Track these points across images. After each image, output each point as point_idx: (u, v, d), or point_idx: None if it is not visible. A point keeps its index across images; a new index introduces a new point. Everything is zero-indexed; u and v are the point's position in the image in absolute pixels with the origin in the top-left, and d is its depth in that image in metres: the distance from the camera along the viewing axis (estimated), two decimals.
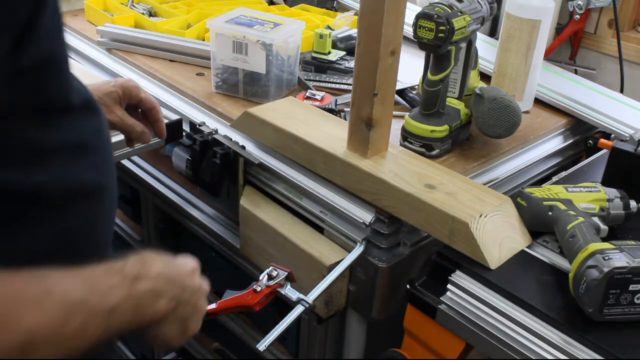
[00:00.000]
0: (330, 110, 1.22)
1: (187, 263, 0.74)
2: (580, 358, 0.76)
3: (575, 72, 1.55)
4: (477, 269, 0.87)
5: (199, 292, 0.73)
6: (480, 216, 0.89)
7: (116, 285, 0.64)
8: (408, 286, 0.93)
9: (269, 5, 1.73)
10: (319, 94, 1.26)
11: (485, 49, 1.45)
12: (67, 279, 0.62)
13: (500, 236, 0.90)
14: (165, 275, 0.68)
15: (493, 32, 1.60)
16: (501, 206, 0.93)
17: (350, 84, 1.28)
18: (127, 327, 0.65)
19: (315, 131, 1.08)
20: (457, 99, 1.16)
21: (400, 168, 0.99)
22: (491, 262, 0.87)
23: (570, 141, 1.30)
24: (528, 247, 0.92)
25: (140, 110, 1.01)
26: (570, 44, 1.57)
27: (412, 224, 0.95)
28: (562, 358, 0.77)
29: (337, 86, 1.35)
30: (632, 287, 0.77)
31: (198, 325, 0.75)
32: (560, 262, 0.89)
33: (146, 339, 0.71)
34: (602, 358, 0.75)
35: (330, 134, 1.07)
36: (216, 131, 1.18)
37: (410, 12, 1.24)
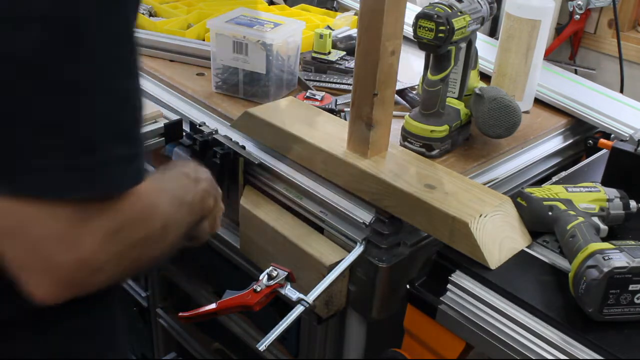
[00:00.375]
0: (330, 110, 1.22)
1: (196, 164, 0.85)
2: (580, 358, 0.76)
3: (575, 72, 1.55)
4: (477, 269, 0.87)
5: (220, 194, 0.87)
6: (480, 216, 0.89)
7: (188, 185, 0.77)
8: (408, 286, 0.93)
9: (269, 5, 1.73)
10: (319, 94, 1.26)
11: (485, 49, 1.45)
12: (171, 178, 0.76)
13: (500, 236, 0.90)
14: (209, 179, 0.82)
15: (493, 32, 1.60)
16: (501, 206, 0.93)
17: (350, 84, 1.28)
18: (195, 220, 0.78)
19: (315, 131, 1.08)
20: (457, 99, 1.16)
21: (400, 168, 0.99)
22: (491, 262, 0.87)
23: (570, 141, 1.30)
24: (528, 247, 0.92)
25: None
26: (570, 44, 1.57)
27: (412, 224, 0.95)
28: (562, 358, 0.77)
29: (337, 86, 1.35)
30: (632, 287, 0.77)
31: (219, 224, 0.88)
32: (560, 262, 0.89)
33: (191, 236, 0.83)
34: (602, 358, 0.75)
35: (330, 134, 1.07)
36: (216, 131, 1.18)
37: (410, 12, 1.24)
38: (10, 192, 0.54)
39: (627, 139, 1.05)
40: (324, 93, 1.27)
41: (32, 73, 0.52)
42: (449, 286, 0.88)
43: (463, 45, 1.08)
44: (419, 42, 1.03)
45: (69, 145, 0.54)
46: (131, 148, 0.59)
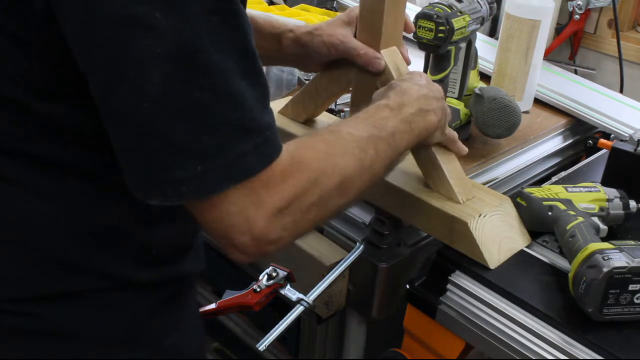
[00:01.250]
0: (330, 110, 1.22)
1: (423, 77, 0.88)
2: (580, 358, 0.76)
3: (575, 72, 1.55)
4: (477, 269, 0.87)
5: (441, 100, 0.87)
6: (480, 216, 0.89)
7: (387, 116, 0.78)
8: (408, 286, 0.93)
9: (269, 5, 1.73)
10: None
11: (485, 49, 1.45)
12: (352, 123, 0.76)
13: (499, 236, 0.90)
14: (424, 95, 0.83)
15: (493, 32, 1.60)
16: (500, 206, 0.93)
17: None
18: (410, 144, 0.81)
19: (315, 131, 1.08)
20: (456, 99, 1.16)
21: (399, 168, 0.99)
22: (490, 262, 0.87)
23: (570, 141, 1.30)
24: (528, 247, 0.92)
25: None
26: (570, 44, 1.57)
27: (411, 223, 0.95)
28: (562, 358, 0.77)
29: None
30: (631, 287, 0.77)
31: (446, 132, 0.89)
32: (560, 262, 0.89)
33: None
34: (601, 358, 0.75)
35: None
36: None
37: (410, 12, 1.24)
38: (166, 202, 0.61)
39: (627, 139, 1.05)
40: None
41: (164, 104, 0.57)
42: (449, 286, 0.88)
43: (463, 45, 1.08)
44: (419, 42, 1.03)
45: (207, 156, 0.59)
46: (259, 134, 0.62)
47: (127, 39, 0.55)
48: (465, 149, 0.93)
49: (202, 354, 0.89)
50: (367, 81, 0.95)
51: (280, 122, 1.11)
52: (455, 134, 0.91)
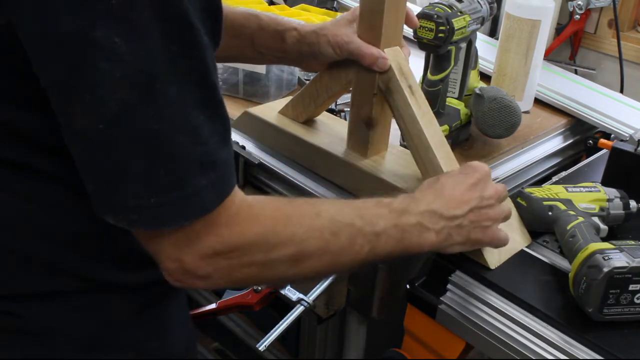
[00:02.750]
0: (330, 110, 1.22)
1: (463, 182, 0.80)
2: (580, 358, 0.76)
3: (575, 72, 1.55)
4: (477, 269, 0.87)
5: (480, 207, 0.79)
6: None
7: (383, 215, 0.73)
8: (408, 286, 0.93)
9: (269, 5, 1.73)
10: None
11: (485, 49, 1.45)
12: (337, 206, 0.73)
13: None
14: (431, 211, 0.76)
15: (493, 32, 1.60)
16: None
17: None
18: (394, 252, 0.74)
19: (315, 131, 1.08)
20: (457, 99, 1.16)
21: (400, 168, 0.99)
22: (491, 262, 0.87)
23: (570, 141, 1.30)
24: (528, 247, 0.92)
25: None
26: (570, 44, 1.57)
27: None
28: (562, 358, 0.77)
29: None
30: (631, 287, 0.77)
31: (487, 233, 0.81)
32: (560, 262, 0.89)
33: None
34: (602, 358, 0.75)
35: (330, 134, 1.07)
36: None
37: None
38: (117, 223, 0.61)
39: (627, 139, 1.05)
40: None
41: (119, 132, 0.56)
42: (449, 286, 0.88)
43: (463, 45, 1.08)
44: (419, 42, 1.03)
45: (161, 188, 0.59)
46: (215, 170, 0.61)
47: (85, 60, 0.54)
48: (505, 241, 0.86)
49: (190, 357, 0.88)
50: (368, 81, 0.95)
51: (281, 122, 1.11)
52: (503, 240, 0.84)
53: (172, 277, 0.65)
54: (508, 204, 0.84)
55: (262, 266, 0.66)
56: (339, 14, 1.63)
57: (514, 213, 0.94)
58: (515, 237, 0.92)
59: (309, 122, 1.11)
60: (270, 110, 1.14)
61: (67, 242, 0.69)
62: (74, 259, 0.70)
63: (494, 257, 0.88)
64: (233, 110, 1.24)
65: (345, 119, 1.18)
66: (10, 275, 0.69)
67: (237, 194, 0.64)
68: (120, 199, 0.59)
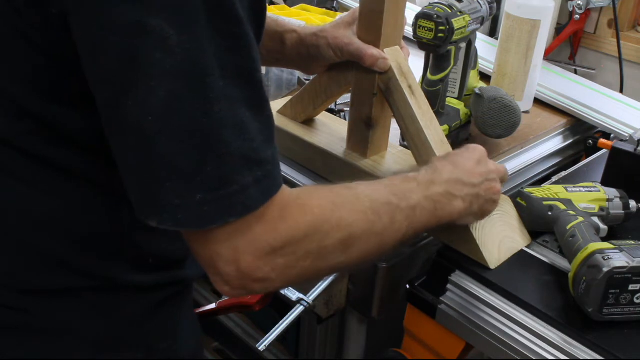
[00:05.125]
0: (330, 110, 1.22)
1: (470, 158, 0.83)
2: (580, 358, 0.76)
3: (575, 72, 1.55)
4: (477, 269, 0.87)
5: (489, 180, 0.83)
6: None
7: (413, 189, 0.75)
8: (408, 286, 0.93)
9: (269, 5, 1.73)
10: None
11: (485, 49, 1.45)
12: (372, 187, 0.73)
13: (499, 236, 0.90)
14: (455, 179, 0.79)
15: (493, 32, 1.60)
16: (500, 206, 0.93)
17: None
18: (429, 224, 0.76)
19: (314, 131, 1.08)
20: (456, 99, 1.16)
21: (400, 168, 0.99)
22: (490, 262, 0.87)
23: (570, 141, 1.30)
24: (528, 247, 0.92)
25: None
26: (570, 44, 1.57)
27: None
28: (562, 358, 0.77)
29: None
30: (631, 287, 0.77)
31: (494, 206, 0.85)
32: (560, 262, 0.89)
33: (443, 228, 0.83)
34: (602, 358, 0.75)
35: (330, 134, 1.07)
36: None
37: (410, 12, 1.24)
38: (161, 225, 0.59)
39: (627, 139, 1.05)
40: None
41: (168, 124, 0.56)
42: (449, 286, 0.88)
43: (463, 45, 1.08)
44: (419, 42, 1.03)
45: (207, 185, 0.58)
46: (261, 167, 0.60)
47: (137, 50, 0.54)
48: None
49: (198, 357, 0.88)
50: (367, 81, 0.95)
51: (280, 122, 1.11)
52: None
53: (230, 286, 0.62)
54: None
55: (317, 257, 0.65)
56: (338, 14, 1.63)
57: (514, 213, 0.94)
58: (515, 237, 0.92)
59: (308, 122, 1.11)
60: None
61: (84, 240, 0.69)
62: (90, 258, 0.70)
63: (494, 257, 0.88)
64: None
65: (345, 119, 1.18)
66: (25, 270, 0.69)
67: (285, 188, 0.64)
68: (165, 196, 0.57)
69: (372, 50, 0.91)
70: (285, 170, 1.10)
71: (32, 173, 0.66)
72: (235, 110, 0.58)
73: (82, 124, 0.64)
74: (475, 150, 0.85)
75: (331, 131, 1.08)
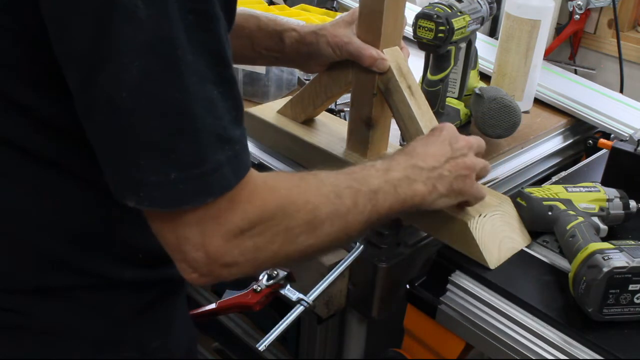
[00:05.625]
0: (330, 110, 1.22)
1: (430, 142, 0.83)
2: (580, 358, 0.76)
3: (575, 72, 1.55)
4: (477, 269, 0.87)
5: (454, 157, 0.82)
6: (480, 216, 0.89)
7: (372, 175, 0.76)
8: (408, 286, 0.93)
9: (269, 5, 1.73)
10: None
11: (485, 49, 1.45)
12: (333, 174, 0.74)
13: (499, 236, 0.90)
14: (411, 165, 0.79)
15: (493, 32, 1.60)
16: (500, 206, 0.93)
17: None
18: (393, 207, 0.76)
19: (314, 131, 1.08)
20: (456, 99, 1.16)
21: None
22: (490, 262, 0.87)
23: (570, 141, 1.30)
24: (528, 247, 0.92)
25: None
26: (570, 44, 1.57)
27: (411, 223, 0.95)
28: (562, 358, 0.77)
29: None
30: (631, 287, 0.77)
31: (468, 181, 0.83)
32: (560, 262, 0.89)
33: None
34: (602, 358, 0.75)
35: (330, 134, 1.07)
36: None
37: (410, 12, 1.24)
38: (125, 202, 0.59)
39: (627, 139, 1.05)
40: None
41: (141, 99, 0.56)
42: (449, 286, 0.88)
43: (463, 45, 1.08)
44: (419, 42, 1.03)
45: (182, 162, 0.58)
46: (232, 146, 0.60)
47: (107, 24, 0.54)
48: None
49: (191, 357, 0.88)
50: (367, 81, 0.95)
51: (280, 122, 1.11)
52: (482, 193, 0.86)
53: (197, 272, 0.63)
54: (482, 161, 0.87)
55: (284, 239, 0.66)
56: (338, 14, 1.63)
57: (514, 213, 0.94)
58: (515, 237, 0.92)
59: (308, 122, 1.11)
60: (270, 110, 1.14)
61: (73, 236, 0.69)
62: (80, 254, 0.70)
63: (494, 257, 0.88)
64: None
65: (345, 119, 1.18)
66: (18, 269, 0.69)
67: (252, 171, 0.64)
68: (140, 174, 0.57)
69: (371, 51, 0.91)
70: (285, 170, 1.10)
71: (17, 168, 0.66)
72: (204, 86, 0.58)
73: (63, 112, 0.63)
74: (442, 131, 0.85)
75: (331, 131, 1.08)
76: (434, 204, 0.81)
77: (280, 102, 1.15)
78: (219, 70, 0.59)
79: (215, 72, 0.59)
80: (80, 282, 0.71)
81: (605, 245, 0.80)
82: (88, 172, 0.66)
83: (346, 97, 1.17)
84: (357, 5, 0.93)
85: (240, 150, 0.61)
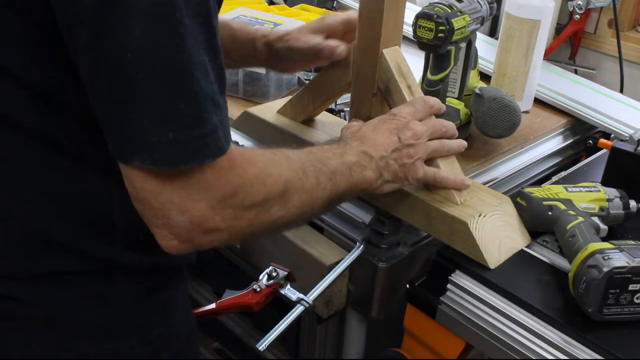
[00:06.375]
0: (330, 110, 1.22)
1: (380, 130, 0.86)
2: (580, 358, 0.76)
3: (575, 72, 1.55)
4: (477, 269, 0.87)
5: (406, 145, 0.86)
6: (480, 216, 0.89)
7: (330, 157, 0.80)
8: (408, 286, 0.93)
9: (269, 5, 1.73)
10: None
11: (485, 49, 1.45)
12: (296, 152, 0.78)
13: (499, 236, 0.90)
14: (363, 151, 0.83)
15: (493, 32, 1.60)
16: (500, 206, 0.93)
17: None
18: (347, 189, 0.81)
19: (314, 131, 1.08)
20: (456, 99, 1.16)
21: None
22: (490, 262, 0.87)
23: (570, 141, 1.30)
24: (528, 247, 0.92)
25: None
26: (570, 44, 1.57)
27: (411, 223, 0.95)
28: (562, 358, 0.77)
29: None
30: (631, 287, 0.77)
31: (414, 169, 0.87)
32: (560, 262, 0.89)
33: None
34: (602, 358, 0.75)
35: (329, 134, 1.07)
36: None
37: (410, 12, 1.24)
38: (128, 163, 0.61)
39: (627, 138, 1.05)
40: None
41: (144, 60, 0.58)
42: (449, 286, 0.88)
43: (463, 45, 1.08)
44: (419, 42, 1.03)
45: (182, 123, 0.60)
46: (222, 113, 0.64)
47: None
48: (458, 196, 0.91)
49: (192, 346, 0.89)
50: (367, 81, 0.95)
51: (280, 122, 1.11)
52: (439, 175, 0.89)
53: (178, 239, 0.64)
54: (435, 144, 0.89)
55: (260, 208, 0.69)
56: (338, 14, 1.63)
57: (514, 213, 0.94)
58: (515, 237, 0.92)
59: (308, 122, 1.11)
60: (269, 110, 1.14)
61: (75, 217, 0.70)
62: (81, 236, 0.71)
63: (494, 257, 0.88)
64: (233, 110, 1.24)
65: (345, 119, 1.18)
66: (15, 254, 0.70)
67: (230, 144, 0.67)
68: (143, 134, 0.59)
69: (326, 42, 0.96)
70: None
71: (15, 146, 0.67)
72: (199, 50, 0.60)
73: (63, 89, 0.65)
74: (393, 120, 0.88)
75: (331, 131, 1.08)
76: (380, 189, 0.86)
77: (280, 102, 1.15)
78: (208, 37, 0.62)
79: (206, 38, 0.61)
80: (81, 267, 0.72)
81: (605, 245, 0.80)
82: (89, 151, 0.68)
83: (346, 97, 1.17)
84: (357, 5, 0.93)
85: (226, 119, 0.64)
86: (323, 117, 1.13)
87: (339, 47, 0.96)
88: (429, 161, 0.90)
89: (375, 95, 0.95)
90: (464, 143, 0.92)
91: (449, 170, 0.91)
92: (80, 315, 0.73)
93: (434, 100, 0.91)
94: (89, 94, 0.61)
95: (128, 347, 0.77)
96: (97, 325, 0.74)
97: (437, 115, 0.92)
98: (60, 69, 0.63)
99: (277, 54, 1.01)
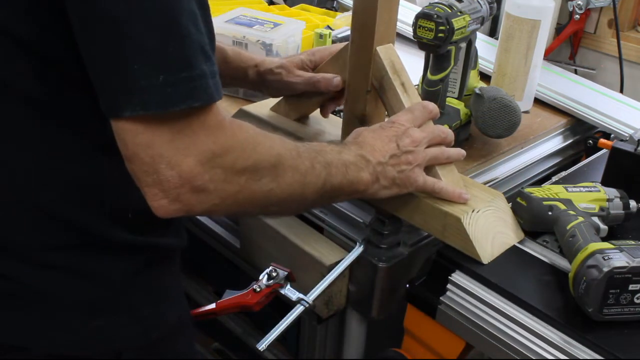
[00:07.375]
0: None
1: (379, 137, 0.87)
2: (580, 358, 0.76)
3: (575, 72, 1.55)
4: (477, 269, 0.87)
5: (405, 152, 0.86)
6: (473, 211, 0.89)
7: (327, 150, 0.81)
8: (408, 286, 0.93)
9: (269, 5, 1.73)
10: None
11: (485, 49, 1.45)
12: (292, 140, 0.77)
13: (492, 231, 0.90)
14: (361, 155, 0.84)
15: (493, 32, 1.60)
16: (493, 202, 0.93)
17: None
18: (342, 186, 0.81)
19: (309, 128, 1.09)
20: (457, 99, 1.16)
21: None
22: (483, 257, 0.87)
23: (570, 141, 1.30)
24: (528, 247, 0.92)
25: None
26: (570, 44, 1.57)
27: (407, 220, 0.95)
28: (562, 358, 0.77)
29: None
30: (631, 287, 0.77)
31: (412, 175, 0.87)
32: (560, 262, 0.89)
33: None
34: (602, 358, 0.75)
35: (326, 132, 1.08)
36: None
37: (410, 12, 1.24)
38: (120, 114, 0.61)
39: (627, 138, 1.05)
40: None
41: (136, 5, 0.59)
42: (449, 286, 0.88)
43: (463, 45, 1.08)
44: (419, 42, 1.03)
45: (171, 65, 0.61)
46: (213, 63, 0.64)
47: None
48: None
49: (184, 330, 0.89)
50: (361, 78, 0.95)
51: (275, 119, 1.11)
52: (438, 185, 0.89)
53: (167, 198, 0.64)
54: (433, 151, 0.89)
55: (251, 175, 0.69)
56: (338, 14, 1.63)
57: (507, 209, 0.94)
58: (508, 232, 0.92)
59: (303, 119, 1.11)
60: (265, 108, 1.15)
61: (66, 188, 0.70)
62: (70, 208, 0.71)
63: (487, 252, 0.88)
64: (233, 110, 1.24)
65: (340, 117, 1.18)
66: (9, 227, 0.70)
67: (221, 108, 0.67)
68: (134, 79, 0.60)
69: (321, 75, 1.00)
70: None
71: (11, 119, 0.67)
72: (190, 2, 0.61)
73: (61, 54, 0.65)
74: (392, 128, 0.88)
75: (325, 128, 1.09)
76: (377, 194, 0.86)
77: (275, 100, 1.16)
78: None
79: None
80: (71, 240, 0.72)
81: (605, 245, 0.80)
82: (82, 121, 0.68)
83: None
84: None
85: (217, 73, 0.64)
86: (318, 114, 1.13)
87: (335, 78, 1.00)
88: (428, 168, 0.90)
89: (369, 92, 0.95)
90: (463, 152, 0.92)
91: (448, 180, 0.91)
92: (69, 291, 0.73)
93: (432, 106, 0.91)
94: (80, 44, 0.62)
95: (118, 325, 0.77)
96: (84, 302, 0.74)
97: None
98: (58, 28, 0.64)
99: (268, 83, 1.05)
